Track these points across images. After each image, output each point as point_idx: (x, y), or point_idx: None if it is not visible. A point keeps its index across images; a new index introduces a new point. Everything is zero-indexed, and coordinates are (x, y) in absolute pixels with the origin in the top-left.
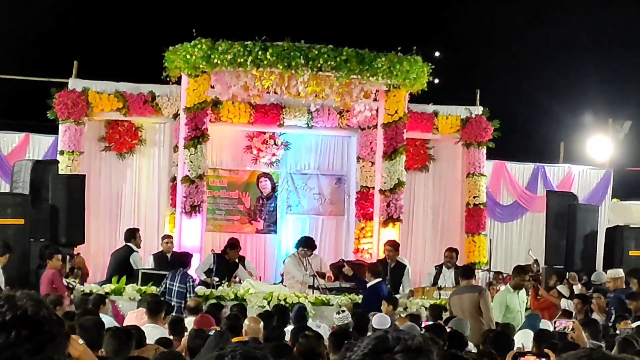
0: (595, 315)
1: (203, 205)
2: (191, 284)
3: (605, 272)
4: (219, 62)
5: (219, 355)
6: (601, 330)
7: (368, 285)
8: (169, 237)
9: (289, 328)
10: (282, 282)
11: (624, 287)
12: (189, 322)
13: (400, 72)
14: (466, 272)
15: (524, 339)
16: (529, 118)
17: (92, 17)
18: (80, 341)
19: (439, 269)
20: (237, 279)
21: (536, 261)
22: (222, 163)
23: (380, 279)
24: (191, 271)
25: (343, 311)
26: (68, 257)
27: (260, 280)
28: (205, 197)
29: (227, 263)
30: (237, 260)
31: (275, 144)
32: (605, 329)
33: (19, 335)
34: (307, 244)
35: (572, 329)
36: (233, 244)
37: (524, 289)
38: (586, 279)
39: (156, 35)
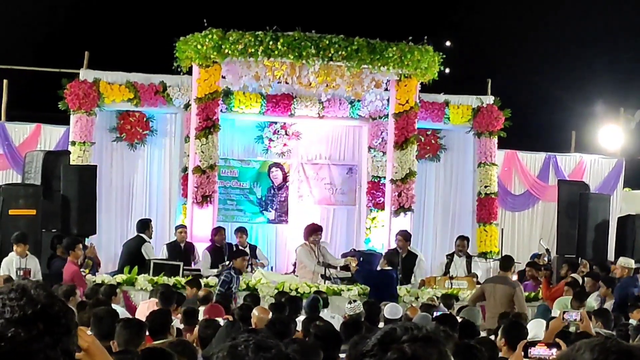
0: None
1: (214, 196)
2: (222, 278)
3: (611, 262)
4: (229, 52)
5: (233, 345)
6: (613, 319)
7: (379, 269)
8: (183, 227)
9: (300, 318)
10: (293, 272)
11: (632, 276)
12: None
13: (411, 61)
14: (504, 263)
15: (536, 329)
16: (541, 107)
17: (103, 8)
18: (89, 332)
19: (450, 257)
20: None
21: (547, 251)
22: (233, 153)
23: (392, 268)
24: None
25: (354, 301)
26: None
27: (272, 270)
28: (217, 187)
29: (221, 250)
30: (226, 244)
31: (286, 134)
32: (616, 318)
33: (38, 330)
34: (314, 231)
35: (581, 319)
36: (216, 229)
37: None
38: (597, 269)
39: (167, 26)
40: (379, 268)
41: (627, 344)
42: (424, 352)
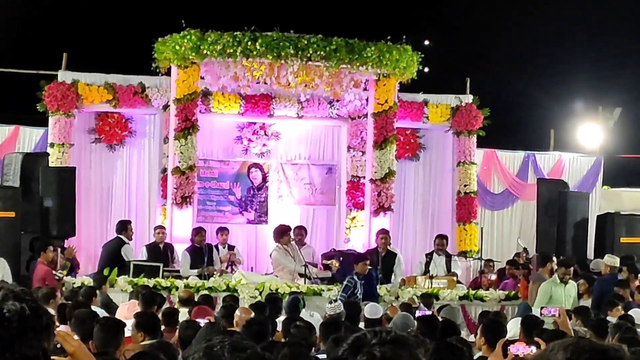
0: (584, 302)
1: (194, 197)
2: (345, 284)
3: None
4: (208, 52)
5: (208, 345)
6: (592, 316)
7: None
8: (162, 227)
9: (281, 319)
10: (273, 272)
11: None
12: (180, 314)
13: (390, 61)
14: (538, 260)
15: (515, 327)
16: (519, 106)
17: (81, 9)
18: (76, 337)
19: (429, 257)
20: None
21: (525, 249)
22: (213, 154)
23: (371, 268)
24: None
25: (335, 301)
26: (59, 249)
27: (252, 270)
28: (196, 188)
29: (200, 251)
30: (206, 244)
31: (265, 134)
32: (595, 315)
33: None
34: (283, 233)
35: (559, 315)
36: (196, 230)
37: (573, 283)
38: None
39: (145, 27)
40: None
41: (600, 343)
42: (393, 354)
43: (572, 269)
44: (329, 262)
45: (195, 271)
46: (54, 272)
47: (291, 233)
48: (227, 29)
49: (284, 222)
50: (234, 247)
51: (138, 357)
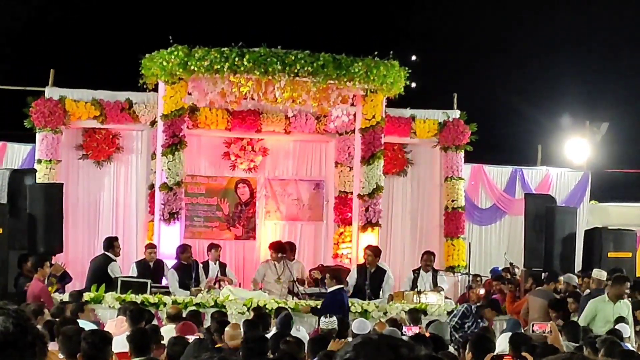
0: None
1: (181, 212)
2: (461, 310)
3: (579, 275)
4: (195, 68)
5: None
6: (580, 332)
7: (328, 290)
8: (153, 247)
9: (269, 334)
10: (260, 287)
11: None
12: (168, 330)
13: (377, 76)
14: (547, 277)
15: (504, 343)
16: (507, 121)
17: (68, 25)
18: (61, 355)
19: (416, 272)
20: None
21: (512, 264)
22: (200, 170)
23: (342, 286)
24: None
25: (330, 316)
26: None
27: (240, 286)
28: (184, 204)
29: (188, 268)
30: (193, 261)
31: (253, 150)
32: (584, 331)
33: None
34: (275, 249)
35: (550, 332)
36: (182, 247)
37: (626, 300)
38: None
39: (133, 43)
40: (328, 289)
41: (592, 358)
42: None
43: (627, 284)
44: (315, 274)
45: (187, 292)
46: None
47: (280, 253)
48: (215, 45)
49: (272, 238)
50: (225, 264)
51: None
